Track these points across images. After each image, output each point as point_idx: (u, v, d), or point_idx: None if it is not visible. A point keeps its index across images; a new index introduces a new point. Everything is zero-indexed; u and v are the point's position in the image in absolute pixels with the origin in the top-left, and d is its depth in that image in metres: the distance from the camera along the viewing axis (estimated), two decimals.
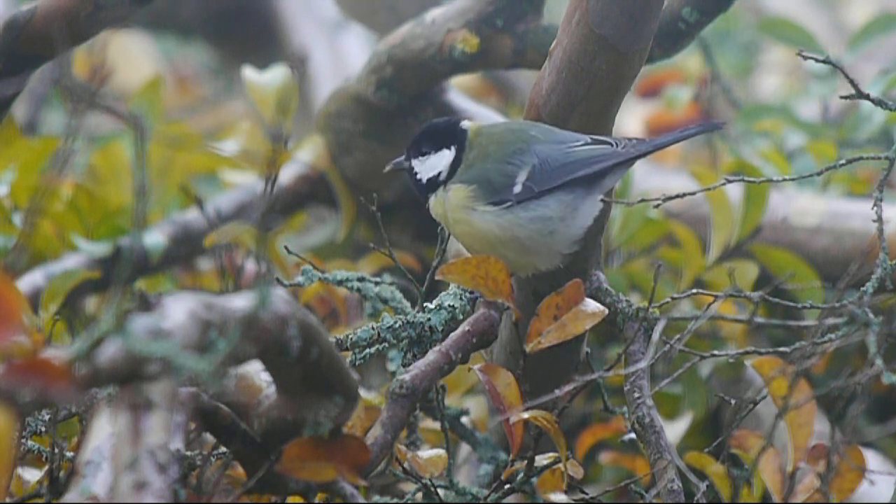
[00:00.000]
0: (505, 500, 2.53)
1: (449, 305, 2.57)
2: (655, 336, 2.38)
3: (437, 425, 2.80)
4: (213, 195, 3.53)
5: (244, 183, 3.45)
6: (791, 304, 2.52)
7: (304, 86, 4.02)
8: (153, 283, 3.35)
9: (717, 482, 2.45)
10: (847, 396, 2.31)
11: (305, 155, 3.35)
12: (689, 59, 4.12)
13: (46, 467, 2.37)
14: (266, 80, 3.28)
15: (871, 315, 2.33)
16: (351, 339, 2.55)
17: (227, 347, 2.06)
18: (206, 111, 4.88)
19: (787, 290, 3.12)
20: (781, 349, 2.46)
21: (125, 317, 2.00)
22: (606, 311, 2.46)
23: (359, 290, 2.71)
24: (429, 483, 2.54)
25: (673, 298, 2.59)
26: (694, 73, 4.05)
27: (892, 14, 3.64)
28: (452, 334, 2.48)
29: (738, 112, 3.69)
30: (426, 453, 2.55)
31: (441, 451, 2.55)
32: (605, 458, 3.11)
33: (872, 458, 3.00)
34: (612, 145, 2.54)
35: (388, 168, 2.66)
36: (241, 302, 2.10)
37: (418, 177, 2.60)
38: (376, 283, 2.71)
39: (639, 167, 3.47)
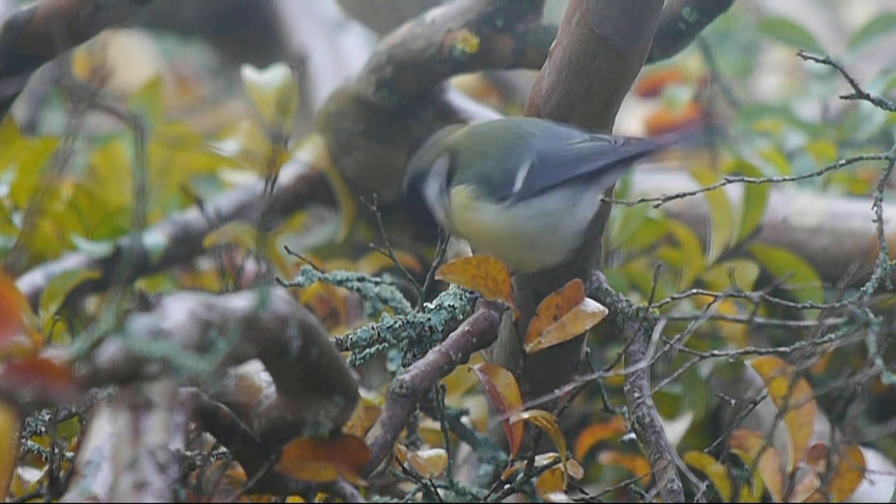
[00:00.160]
0: (505, 500, 2.53)
1: (449, 305, 2.57)
2: (655, 336, 2.38)
3: (437, 425, 2.80)
4: (213, 195, 3.52)
5: (244, 183, 3.44)
6: (791, 304, 2.52)
7: (304, 86, 4.02)
8: (153, 283, 3.35)
9: (717, 482, 2.45)
10: (847, 396, 2.31)
11: (305, 155, 3.35)
12: (689, 59, 4.12)
13: (46, 467, 2.37)
14: (266, 80, 3.28)
15: (871, 315, 2.33)
16: (351, 339, 2.55)
17: (227, 347, 2.06)
18: (206, 111, 4.87)
19: (787, 290, 3.12)
20: (781, 349, 2.46)
21: (125, 317, 2.00)
22: (606, 311, 2.46)
23: (359, 290, 2.71)
24: (429, 483, 2.54)
25: (673, 298, 2.59)
26: (694, 73, 4.05)
27: (892, 14, 3.64)
28: (452, 334, 2.48)
29: (738, 112, 3.69)
30: (426, 453, 2.55)
31: (441, 451, 2.55)
32: (605, 458, 3.11)
33: (872, 458, 3.00)
34: (610, 142, 2.54)
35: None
36: (241, 302, 2.10)
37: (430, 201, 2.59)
38: (376, 283, 2.71)
39: (638, 167, 3.47)
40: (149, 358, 1.99)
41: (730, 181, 2.56)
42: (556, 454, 2.48)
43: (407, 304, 2.71)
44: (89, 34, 2.72)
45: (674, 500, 2.42)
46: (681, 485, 2.44)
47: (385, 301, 2.71)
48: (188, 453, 2.32)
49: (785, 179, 2.60)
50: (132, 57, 4.77)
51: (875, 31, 3.61)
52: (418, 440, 2.76)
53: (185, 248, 3.33)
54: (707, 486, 2.43)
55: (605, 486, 3.10)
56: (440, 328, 2.56)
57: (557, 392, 2.40)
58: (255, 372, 2.31)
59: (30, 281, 3.15)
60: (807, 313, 3.10)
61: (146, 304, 2.03)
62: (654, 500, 2.47)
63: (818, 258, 3.27)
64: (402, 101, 3.16)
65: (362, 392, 2.38)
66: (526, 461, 2.48)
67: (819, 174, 2.57)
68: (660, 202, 2.54)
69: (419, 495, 2.59)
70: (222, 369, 2.05)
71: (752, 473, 2.39)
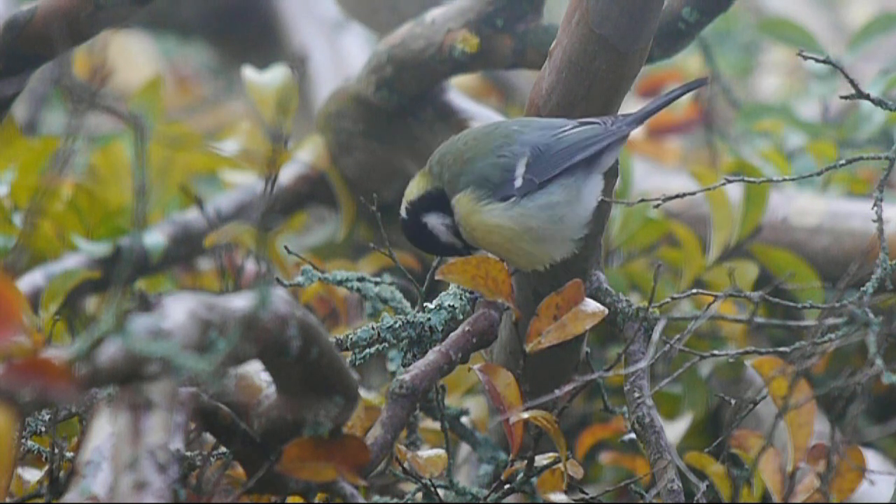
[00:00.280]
0: (505, 500, 2.53)
1: (449, 305, 2.57)
2: (655, 336, 2.38)
3: (437, 425, 2.80)
4: (213, 195, 3.52)
5: (244, 183, 3.45)
6: (791, 304, 2.52)
7: (304, 86, 4.02)
8: (153, 283, 3.35)
9: (717, 482, 2.45)
10: (847, 396, 2.31)
11: (305, 155, 3.35)
12: (689, 59, 4.13)
13: (46, 467, 2.37)
14: (266, 80, 3.28)
15: (871, 315, 2.33)
16: (351, 339, 2.55)
17: (227, 347, 2.06)
18: (206, 111, 4.87)
19: (787, 290, 3.12)
20: (781, 349, 2.46)
21: (125, 317, 2.00)
22: (606, 311, 2.46)
23: (359, 290, 2.71)
24: (429, 483, 2.54)
25: (673, 298, 2.59)
26: (694, 73, 4.05)
27: (892, 14, 3.64)
28: (452, 334, 2.48)
29: (738, 112, 3.69)
30: (426, 453, 2.55)
31: (441, 451, 2.55)
32: (605, 458, 3.11)
33: (872, 458, 3.00)
34: (599, 124, 2.54)
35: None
36: (241, 302, 2.10)
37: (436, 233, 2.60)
38: (376, 283, 2.71)
39: (638, 167, 3.48)
40: (149, 358, 1.99)
41: (730, 181, 2.56)
42: (556, 454, 2.48)
43: (407, 304, 2.71)
44: (89, 34, 2.72)
45: (674, 500, 2.42)
46: (681, 485, 2.44)
47: (385, 301, 2.71)
48: (188, 453, 2.32)
49: (785, 179, 2.60)
50: (132, 57, 4.77)
51: (875, 31, 3.61)
52: (418, 440, 2.76)
53: (185, 248, 3.33)
54: (707, 486, 2.43)
55: (605, 486, 3.10)
56: (440, 328, 2.56)
57: (557, 392, 2.40)
58: (255, 372, 2.31)
59: (30, 281, 3.15)
60: (807, 313, 3.10)
61: (146, 304, 2.03)
62: (654, 500, 2.47)
63: (818, 258, 3.27)
64: (402, 101, 3.16)
65: (362, 392, 2.38)
66: (526, 461, 2.48)
67: (819, 174, 2.57)
68: (660, 202, 2.54)
69: (419, 495, 2.59)
70: (222, 369, 2.05)
71: (752, 473, 2.39)
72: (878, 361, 2.28)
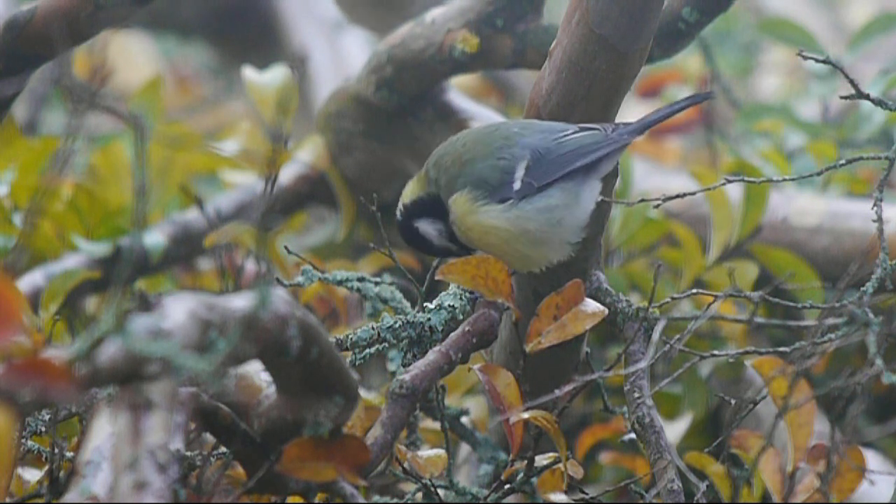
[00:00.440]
0: (505, 500, 2.53)
1: (449, 305, 2.57)
2: (655, 336, 2.38)
3: (437, 425, 2.80)
4: (213, 195, 3.52)
5: (244, 183, 3.44)
6: (791, 304, 2.52)
7: (304, 86, 4.02)
8: (153, 283, 3.35)
9: (717, 482, 2.45)
10: (847, 396, 2.31)
11: (305, 155, 3.35)
12: (689, 59, 4.12)
13: (46, 467, 2.37)
14: (266, 80, 3.28)
15: (871, 315, 2.33)
16: (351, 339, 2.55)
17: (227, 347, 2.06)
18: (206, 111, 4.87)
19: (787, 290, 3.12)
20: (781, 349, 2.46)
21: (125, 317, 2.00)
22: (606, 311, 2.46)
23: (359, 290, 2.71)
24: (429, 483, 2.54)
25: (673, 298, 2.59)
26: (694, 73, 4.05)
27: (892, 14, 3.64)
28: (452, 334, 2.48)
29: (738, 112, 3.69)
30: (426, 453, 2.55)
31: (441, 451, 2.55)
32: (605, 458, 3.11)
33: (872, 458, 3.00)
34: (600, 131, 2.54)
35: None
36: (241, 302, 2.10)
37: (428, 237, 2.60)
38: (376, 283, 2.71)
39: (638, 167, 3.48)
40: (149, 358, 1.99)
41: (730, 181, 2.56)
42: (556, 454, 2.48)
43: (407, 304, 2.71)
44: (89, 34, 2.72)
45: (674, 500, 2.42)
46: (681, 485, 2.44)
47: (385, 301, 2.71)
48: (188, 453, 2.32)
49: (785, 179, 2.60)
50: (132, 57, 4.77)
51: (875, 31, 3.61)
52: (418, 440, 2.76)
53: (185, 248, 3.33)
54: (707, 486, 2.43)
55: (605, 486, 3.10)
56: (440, 328, 2.56)
57: (557, 392, 2.40)
58: (255, 372, 2.31)
59: (30, 281, 3.15)
60: (807, 313, 3.10)
61: (146, 304, 2.03)
62: (654, 500, 2.47)
63: (818, 258, 3.27)
64: (402, 101, 3.16)
65: (362, 392, 2.38)
66: (526, 461, 2.48)
67: (819, 174, 2.57)
68: (660, 202, 2.54)
69: (419, 495, 2.59)
70: (222, 369, 2.05)
71: (752, 473, 2.39)
72: (878, 361, 2.28)
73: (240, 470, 2.32)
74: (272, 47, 4.39)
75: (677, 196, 2.55)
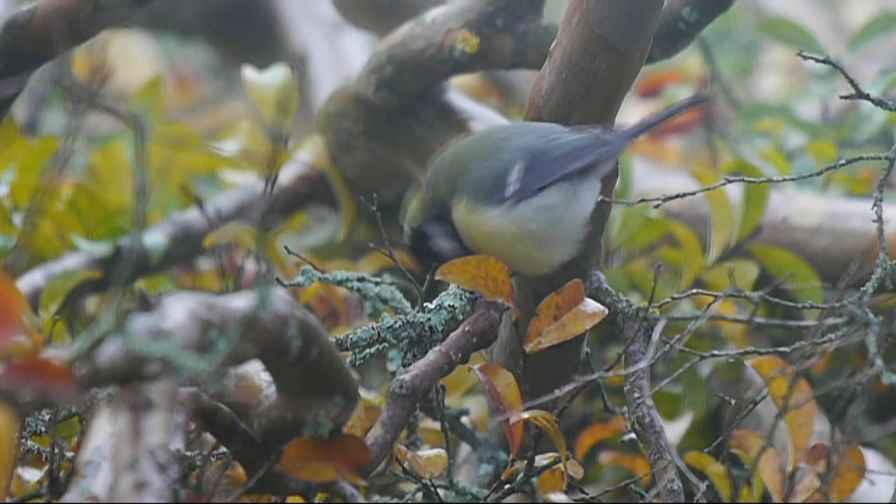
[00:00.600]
0: (505, 500, 2.53)
1: (449, 305, 2.57)
2: (655, 336, 2.38)
3: (437, 425, 2.80)
4: (213, 195, 3.52)
5: (244, 183, 3.44)
6: (791, 304, 2.52)
7: (304, 86, 4.02)
8: (153, 283, 3.35)
9: (717, 482, 2.45)
10: (847, 396, 2.31)
11: (305, 155, 3.35)
12: (689, 59, 4.12)
13: (46, 467, 2.37)
14: (266, 80, 3.28)
15: (871, 315, 2.33)
16: (351, 339, 2.55)
17: (227, 347, 2.06)
18: (206, 111, 4.87)
19: (787, 290, 3.12)
20: (781, 349, 2.46)
21: (125, 317, 2.00)
22: (606, 311, 2.46)
23: (359, 290, 2.71)
24: (429, 483, 2.54)
25: (673, 298, 2.59)
26: (694, 73, 4.05)
27: (892, 14, 3.64)
28: (452, 334, 2.48)
29: (738, 112, 3.69)
30: (426, 453, 2.55)
31: (441, 451, 2.55)
32: (605, 458, 3.11)
33: (872, 458, 3.00)
34: (595, 133, 2.54)
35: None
36: (241, 302, 2.10)
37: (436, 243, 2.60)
38: (376, 283, 2.71)
39: (638, 167, 3.48)
40: (149, 358, 1.99)
41: (730, 181, 2.56)
42: (556, 454, 2.48)
43: (407, 304, 2.71)
44: (89, 34, 2.72)
45: (674, 500, 2.42)
46: (681, 485, 2.44)
47: (385, 301, 2.71)
48: (188, 453, 2.32)
49: (785, 179, 2.60)
50: (132, 57, 4.77)
51: (875, 31, 3.61)
52: (418, 440, 2.76)
53: (185, 248, 3.33)
54: (707, 486, 2.43)
55: (605, 486, 3.10)
56: (440, 328, 2.56)
57: (557, 392, 2.40)
58: (255, 372, 2.31)
59: (30, 281, 3.15)
60: (807, 313, 3.10)
61: (146, 304, 2.03)
62: (654, 500, 2.47)
63: (818, 258, 3.27)
64: (402, 101, 3.16)
65: (362, 392, 2.38)
66: (526, 461, 2.48)
67: (819, 174, 2.57)
68: (660, 202, 2.54)
69: (419, 495, 2.59)
70: (222, 369, 2.05)
71: (752, 473, 2.39)
72: (878, 361, 2.28)
73: (240, 470, 2.32)
74: (272, 47, 4.39)
75: (677, 196, 2.55)
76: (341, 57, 4.10)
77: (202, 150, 3.48)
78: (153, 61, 4.82)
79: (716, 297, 2.48)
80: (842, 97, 2.58)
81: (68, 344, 2.74)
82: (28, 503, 2.36)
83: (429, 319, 2.57)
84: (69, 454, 2.36)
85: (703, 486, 2.43)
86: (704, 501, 2.43)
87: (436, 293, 2.64)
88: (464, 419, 2.86)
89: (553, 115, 2.58)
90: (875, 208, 2.48)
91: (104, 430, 2.12)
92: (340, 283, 2.70)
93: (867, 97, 2.54)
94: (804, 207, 3.33)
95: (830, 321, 2.37)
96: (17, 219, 3.22)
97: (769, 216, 3.27)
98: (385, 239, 2.66)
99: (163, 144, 3.40)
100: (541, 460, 2.49)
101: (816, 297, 3.13)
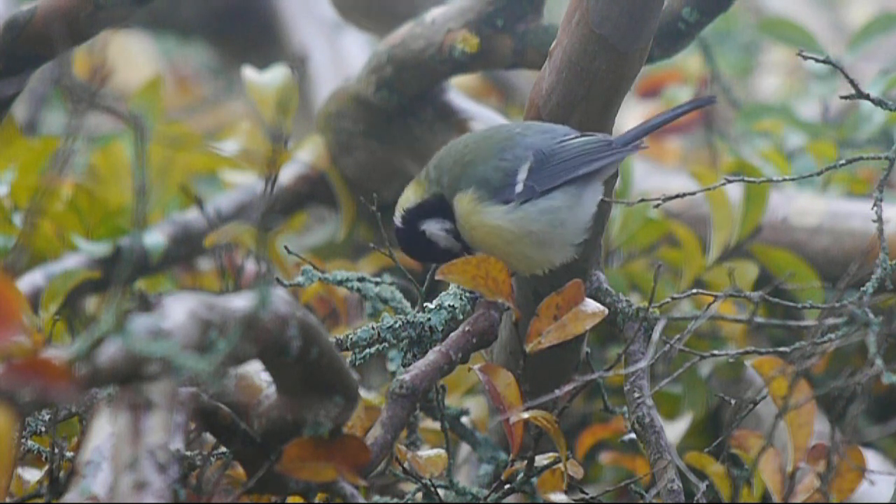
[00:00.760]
0: (505, 500, 2.53)
1: (449, 305, 2.57)
2: (655, 336, 2.38)
3: (437, 425, 2.80)
4: (213, 195, 3.52)
5: (244, 183, 3.44)
6: (791, 304, 2.52)
7: (304, 86, 4.02)
8: (153, 283, 3.35)
9: (717, 482, 2.45)
10: (847, 396, 2.31)
11: (305, 155, 3.35)
12: (689, 59, 4.12)
13: (46, 467, 2.37)
14: (266, 80, 3.28)
15: (871, 315, 2.33)
16: (351, 339, 2.55)
17: (227, 347, 2.06)
18: (206, 111, 4.87)
19: (787, 290, 3.12)
20: (781, 349, 2.46)
21: (125, 317, 2.00)
22: (606, 311, 2.46)
23: (359, 290, 2.71)
24: (429, 483, 2.54)
25: (673, 298, 2.59)
26: (694, 73, 4.05)
27: (892, 14, 3.64)
28: (452, 334, 2.48)
29: (738, 112, 3.69)
30: (426, 453, 2.55)
31: (441, 451, 2.55)
32: (605, 458, 3.11)
33: (872, 458, 3.00)
34: (602, 138, 2.54)
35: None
36: (241, 302, 2.10)
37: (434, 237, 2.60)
38: (376, 283, 2.71)
39: (638, 167, 3.48)
40: (149, 358, 1.99)
41: (730, 181, 2.56)
42: (556, 454, 2.48)
43: (407, 304, 2.71)
44: (89, 34, 2.72)
45: (674, 500, 2.42)
46: (681, 485, 2.44)
47: (385, 301, 2.71)
48: (188, 453, 2.32)
49: (785, 179, 2.60)
50: (132, 57, 4.77)
51: (875, 31, 3.61)
52: (418, 440, 2.76)
53: (185, 248, 3.33)
54: (707, 486, 2.43)
55: (605, 486, 3.10)
56: (440, 328, 2.56)
57: (557, 392, 2.40)
58: (255, 372, 2.31)
59: (30, 281, 3.15)
60: (807, 313, 3.10)
61: (146, 304, 2.03)
62: (654, 500, 2.47)
63: (818, 258, 3.27)
64: (402, 101, 3.16)
65: (362, 392, 2.38)
66: (526, 461, 2.48)
67: (819, 174, 2.57)
68: (660, 202, 2.54)
69: (419, 495, 2.59)
70: (222, 369, 2.05)
71: (752, 473, 2.39)
72: (878, 361, 2.28)
73: (240, 470, 2.32)
74: (272, 47, 4.39)
75: (677, 196, 2.55)
76: (341, 57, 4.10)
77: (202, 150, 3.48)
78: (153, 61, 4.82)
79: (716, 297, 2.48)
80: (842, 97, 2.58)
81: (68, 344, 2.74)
82: (28, 503, 2.36)
83: (429, 319, 2.57)
84: (69, 454, 2.36)
85: (703, 486, 2.43)
86: (704, 501, 2.43)
87: (436, 293, 2.64)
88: (464, 419, 2.86)
89: (553, 115, 2.58)
90: (875, 208, 2.48)
91: (104, 430, 2.12)
92: (340, 283, 2.70)
93: (867, 97, 2.54)
94: (804, 207, 3.33)
95: (830, 321, 2.37)
96: (17, 219, 3.22)
97: (769, 216, 3.27)
98: (385, 239, 2.66)
99: (163, 144, 3.40)
100: (541, 460, 2.49)
101: (816, 297, 3.13)
